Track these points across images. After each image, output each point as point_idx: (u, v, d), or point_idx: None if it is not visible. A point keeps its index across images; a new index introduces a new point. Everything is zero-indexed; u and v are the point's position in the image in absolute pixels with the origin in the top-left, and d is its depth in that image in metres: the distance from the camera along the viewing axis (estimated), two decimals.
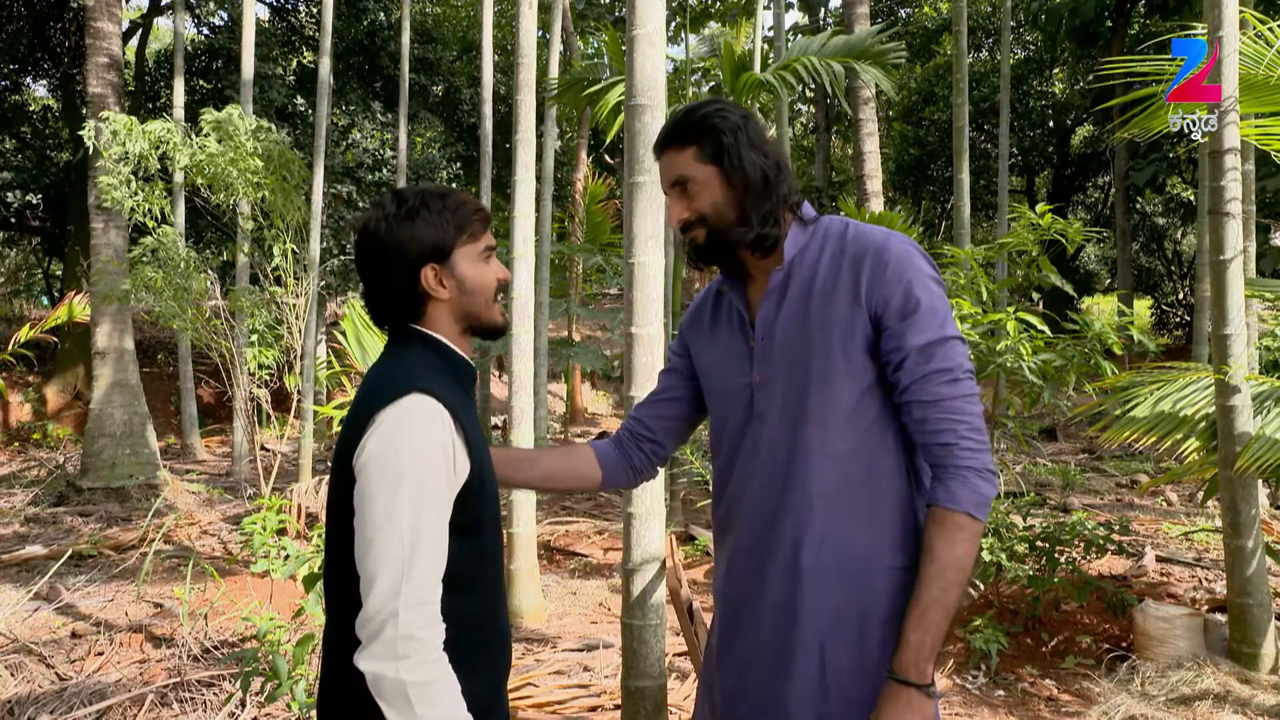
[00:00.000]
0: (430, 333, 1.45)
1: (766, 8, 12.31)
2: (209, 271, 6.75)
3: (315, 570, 3.10)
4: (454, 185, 15.77)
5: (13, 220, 15.70)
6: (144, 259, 6.56)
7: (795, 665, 1.47)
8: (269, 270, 6.62)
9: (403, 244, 1.41)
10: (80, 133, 7.14)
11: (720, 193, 1.52)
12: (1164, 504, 7.71)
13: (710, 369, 1.68)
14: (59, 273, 18.63)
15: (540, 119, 7.87)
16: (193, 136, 6.29)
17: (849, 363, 1.45)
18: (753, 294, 1.61)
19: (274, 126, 6.71)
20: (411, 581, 1.25)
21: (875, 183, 10.19)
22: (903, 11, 20.19)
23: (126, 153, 6.26)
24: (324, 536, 1.46)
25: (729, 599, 1.62)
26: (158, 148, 6.30)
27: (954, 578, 1.38)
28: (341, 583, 1.39)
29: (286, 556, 3.48)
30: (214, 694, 3.61)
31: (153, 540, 6.03)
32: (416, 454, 1.28)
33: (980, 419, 1.43)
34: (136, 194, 6.53)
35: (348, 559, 1.35)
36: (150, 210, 6.59)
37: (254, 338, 6.68)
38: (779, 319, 1.53)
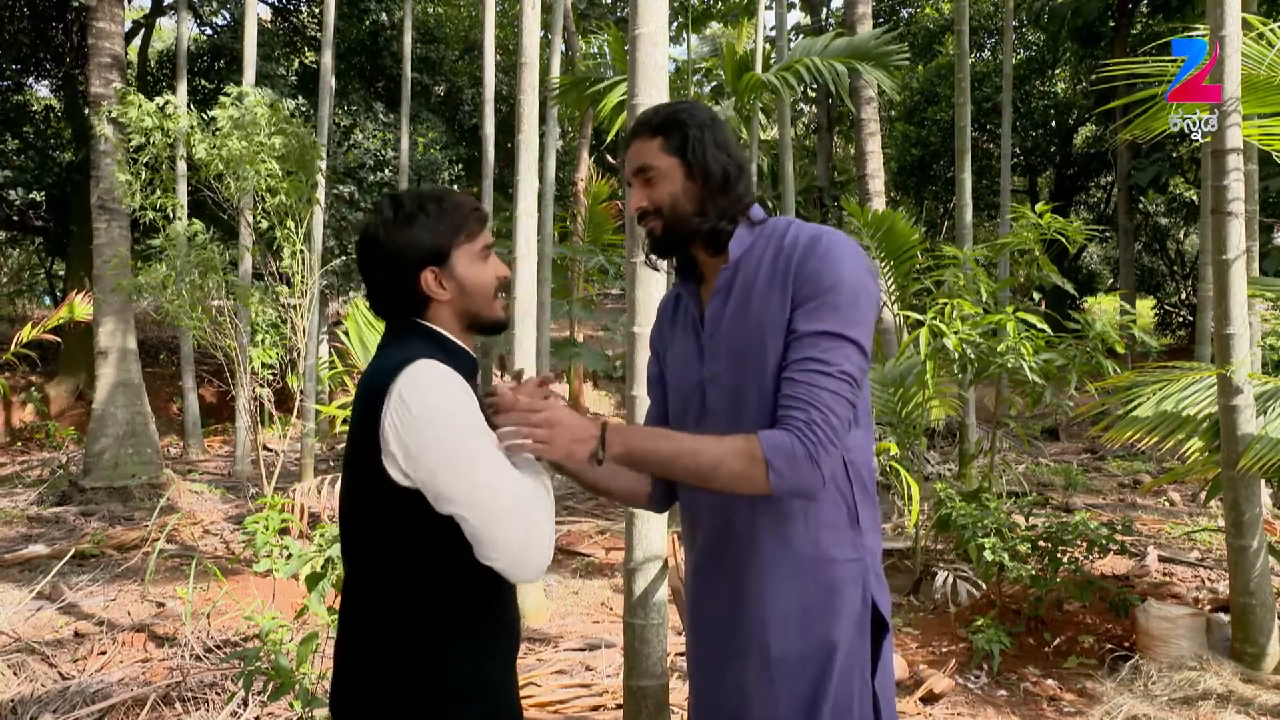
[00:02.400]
0: (431, 325, 1.49)
1: (768, 8, 12.31)
2: (229, 269, 6.72)
3: (317, 569, 3.11)
4: (456, 186, 15.83)
5: (15, 219, 15.72)
6: (165, 253, 6.52)
7: (747, 657, 1.52)
8: (276, 270, 6.61)
9: (402, 249, 1.44)
10: (95, 119, 7.10)
11: (680, 185, 1.57)
12: (1166, 504, 7.70)
13: (671, 368, 1.72)
14: (61, 272, 18.65)
15: (542, 119, 7.87)
16: (210, 129, 6.23)
17: (783, 357, 1.48)
18: (706, 294, 1.65)
19: (300, 115, 6.66)
20: (505, 500, 1.33)
21: (877, 182, 10.18)
22: (904, 11, 20.17)
23: (147, 140, 6.22)
24: (341, 506, 1.50)
25: (695, 598, 1.66)
26: (168, 135, 6.28)
27: (700, 462, 1.39)
28: (361, 575, 1.44)
29: (289, 556, 3.49)
30: (216, 693, 3.61)
31: (156, 540, 6.03)
32: (446, 404, 1.34)
33: (839, 421, 1.40)
34: (148, 185, 6.50)
35: (366, 545, 1.42)
36: (160, 207, 6.58)
37: (259, 336, 6.68)
38: (725, 316, 1.56)
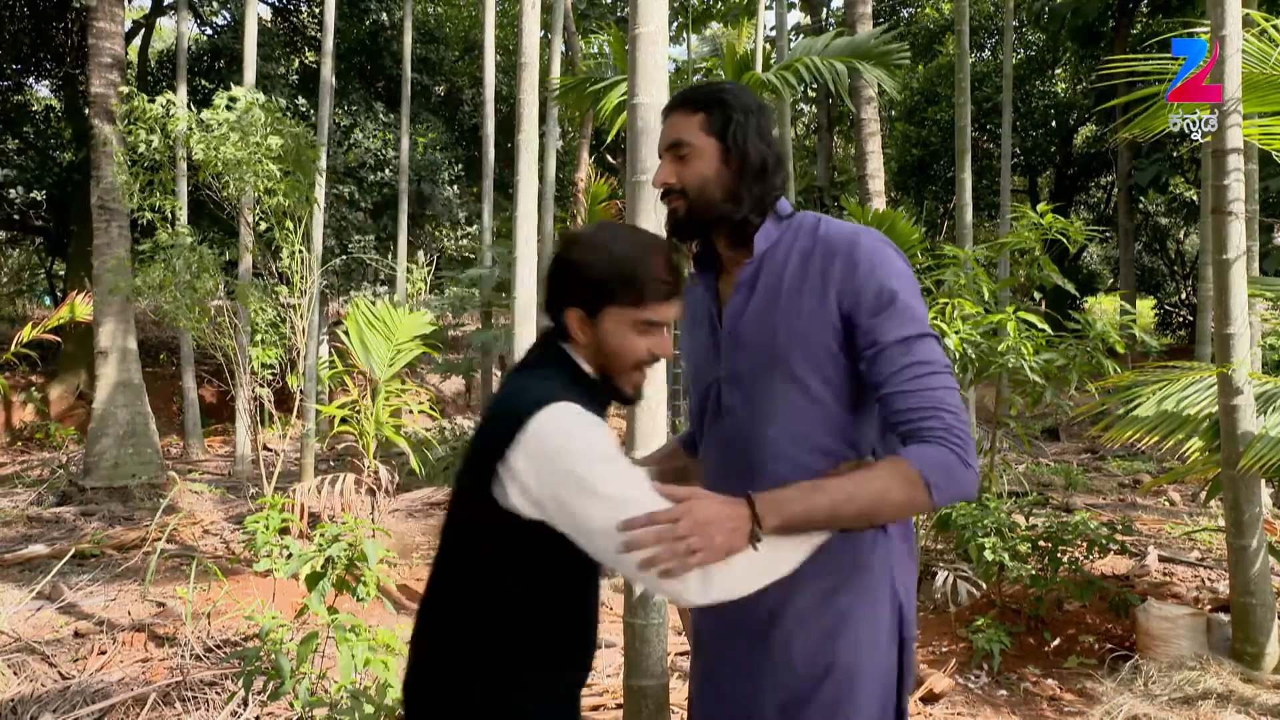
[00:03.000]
0: (573, 356, 1.43)
1: (768, 8, 12.31)
2: (220, 273, 6.71)
3: (317, 569, 3.11)
4: (456, 186, 15.82)
5: (16, 218, 15.73)
6: (155, 257, 6.52)
7: (759, 664, 1.47)
8: (275, 270, 6.61)
9: (570, 274, 1.39)
10: (96, 120, 7.08)
11: (713, 167, 1.50)
12: (1166, 504, 7.70)
13: (689, 364, 1.68)
14: (62, 272, 18.66)
15: (542, 119, 7.88)
16: (206, 129, 6.22)
17: (813, 360, 1.44)
18: (724, 287, 1.60)
19: (295, 116, 6.66)
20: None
21: (878, 182, 10.17)
22: (905, 11, 20.17)
23: (148, 142, 6.21)
24: (446, 517, 1.46)
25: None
26: (169, 136, 6.28)
27: (861, 504, 1.30)
28: (449, 584, 1.42)
29: (289, 556, 3.48)
30: (216, 693, 3.61)
31: (157, 540, 6.03)
32: (583, 444, 1.28)
33: (964, 412, 1.38)
34: (149, 185, 6.49)
35: (464, 553, 1.39)
36: (159, 208, 6.58)
37: (258, 337, 6.67)
38: (747, 312, 1.51)
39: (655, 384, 2.77)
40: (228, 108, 6.12)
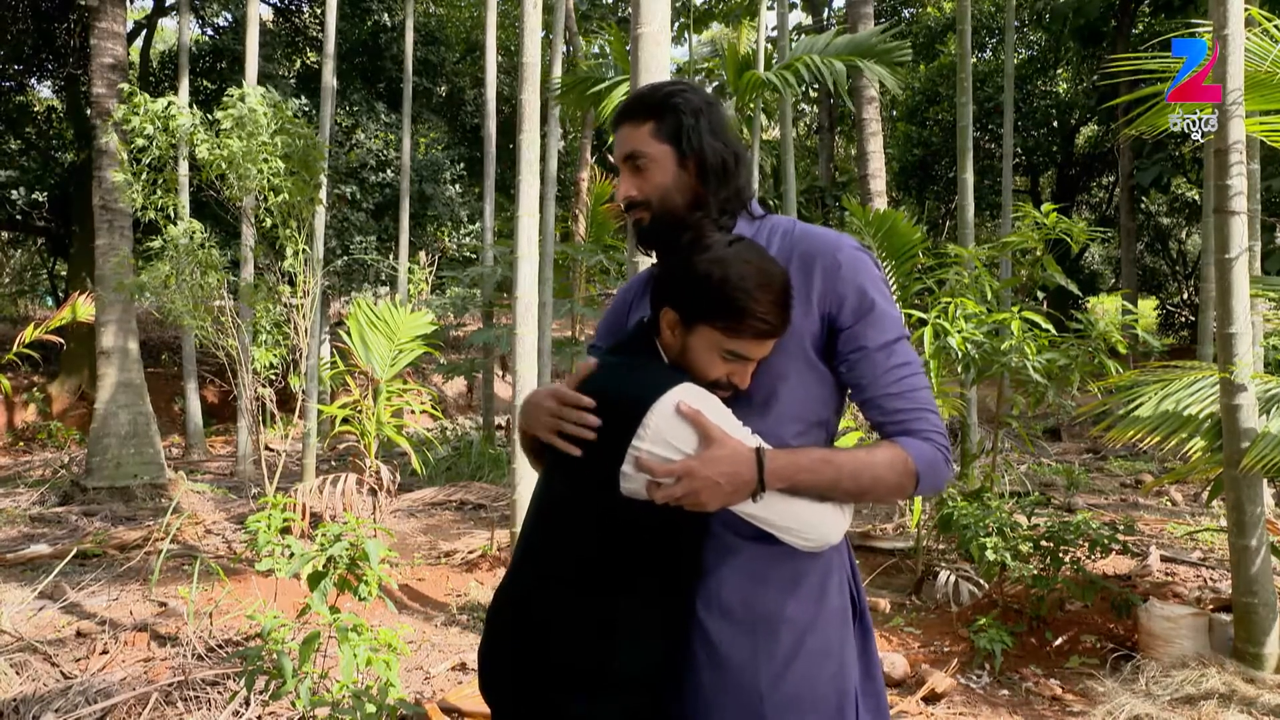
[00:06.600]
0: (660, 349, 1.46)
1: (770, 8, 12.31)
2: (226, 270, 6.71)
3: (319, 569, 3.11)
4: (458, 186, 15.81)
5: (18, 217, 15.76)
6: (164, 253, 6.51)
7: (761, 667, 1.44)
8: (279, 269, 6.61)
9: (681, 278, 1.40)
10: (99, 123, 7.08)
11: (671, 174, 1.47)
12: (1168, 504, 7.69)
13: None
14: (64, 273, 18.69)
15: (544, 119, 7.88)
16: (213, 129, 6.22)
17: (792, 360, 1.44)
18: None
19: (302, 116, 6.62)
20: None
21: (879, 182, 10.18)
22: (906, 11, 20.16)
23: (150, 142, 6.21)
24: (548, 505, 1.49)
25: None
26: (172, 135, 6.29)
27: (861, 484, 1.36)
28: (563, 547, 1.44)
29: (291, 555, 3.48)
30: (218, 693, 3.62)
31: (160, 540, 6.03)
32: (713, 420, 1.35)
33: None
34: (151, 185, 6.50)
35: (584, 541, 1.42)
36: (162, 208, 6.59)
37: (261, 337, 6.67)
38: None
39: None
40: (239, 103, 6.12)
